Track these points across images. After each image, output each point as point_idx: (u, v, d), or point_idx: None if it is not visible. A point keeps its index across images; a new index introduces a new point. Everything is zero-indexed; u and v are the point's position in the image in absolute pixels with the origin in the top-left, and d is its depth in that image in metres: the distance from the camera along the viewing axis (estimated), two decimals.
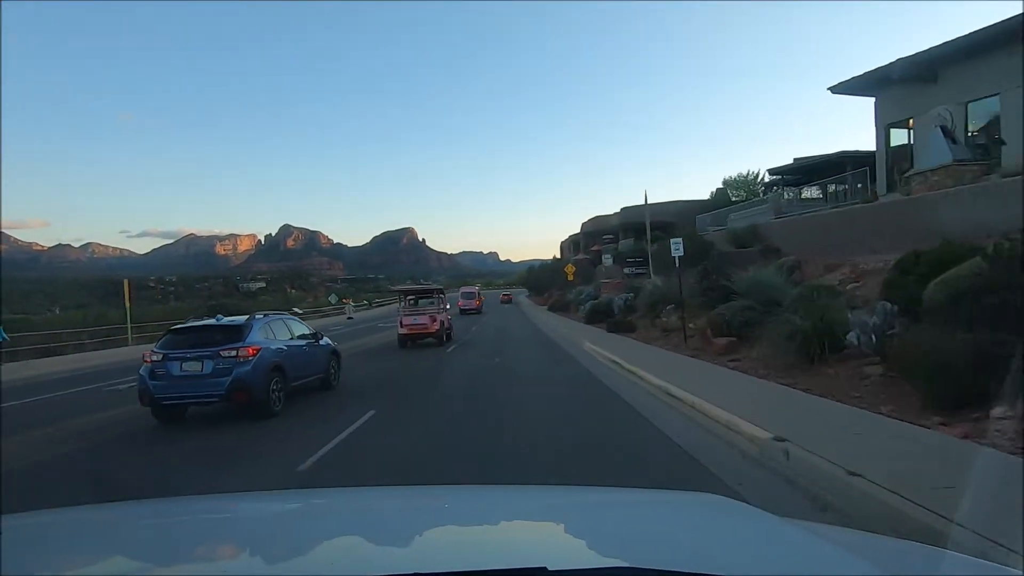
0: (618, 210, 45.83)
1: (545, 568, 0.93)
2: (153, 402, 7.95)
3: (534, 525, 1.61)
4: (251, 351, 7.99)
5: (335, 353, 10.81)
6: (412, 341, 18.37)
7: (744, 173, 37.48)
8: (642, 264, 24.45)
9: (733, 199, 37.03)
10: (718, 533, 1.42)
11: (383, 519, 1.59)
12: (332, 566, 1.16)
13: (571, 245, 63.36)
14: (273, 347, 8.60)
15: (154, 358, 8.05)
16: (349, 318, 42.07)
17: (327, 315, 46.17)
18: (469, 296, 44.22)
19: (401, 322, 18.57)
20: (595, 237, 50.40)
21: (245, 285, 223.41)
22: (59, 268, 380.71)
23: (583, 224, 57.26)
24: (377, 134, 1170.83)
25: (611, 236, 45.85)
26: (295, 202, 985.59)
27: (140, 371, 8.17)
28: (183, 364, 7.92)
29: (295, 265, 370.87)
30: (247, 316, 9.01)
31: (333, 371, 10.55)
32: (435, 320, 18.63)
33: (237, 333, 8.21)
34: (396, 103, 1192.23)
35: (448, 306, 22.06)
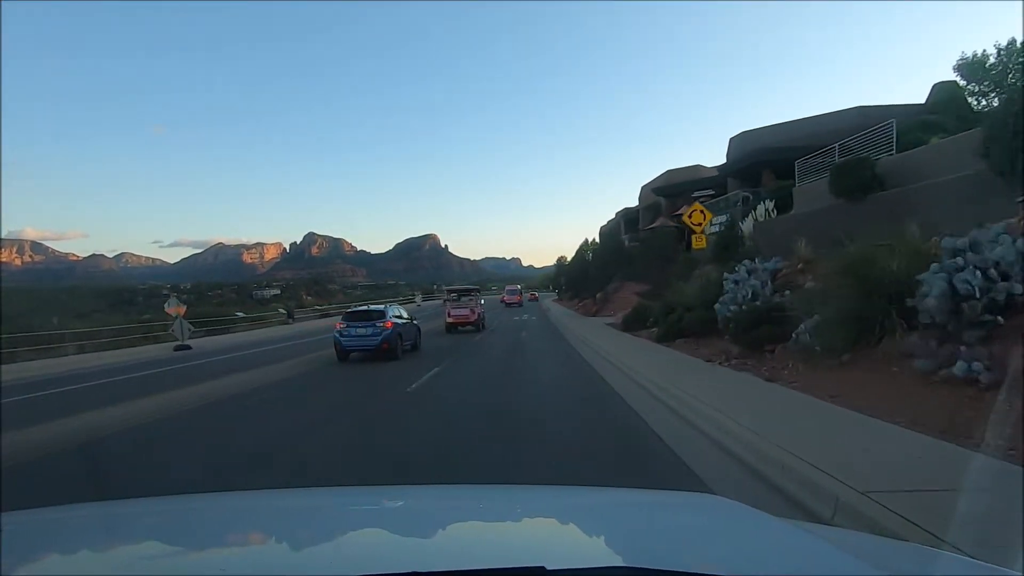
0: (711, 166, 26.77)
1: (543, 568, 0.90)
2: (341, 349, 13.58)
3: (532, 525, 1.55)
4: (389, 324, 13.59)
5: (419, 329, 16.02)
6: (456, 328, 22.00)
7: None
8: None
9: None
10: (716, 533, 1.37)
11: (380, 518, 1.54)
12: (330, 565, 1.12)
13: (622, 223, 43.23)
14: (397, 322, 14.12)
15: (341, 326, 13.77)
16: (181, 347, 19.69)
17: (135, 340, 23.70)
18: (513, 292, 53.11)
19: (448, 313, 22.47)
20: (677, 197, 30.92)
21: (259, 292, 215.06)
22: (92, 277, 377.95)
23: (644, 190, 37.95)
24: (400, 142, 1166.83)
25: (711, 191, 26.58)
26: (320, 211, 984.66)
27: (334, 333, 13.91)
28: (356, 329, 13.52)
29: (319, 272, 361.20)
30: (384, 305, 15.41)
31: (418, 340, 15.70)
32: (474, 312, 22.49)
33: (381, 314, 13.91)
34: (419, 112, 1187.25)
35: (483, 301, 25.92)
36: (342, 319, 14.09)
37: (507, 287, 59.44)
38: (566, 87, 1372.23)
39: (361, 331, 13.38)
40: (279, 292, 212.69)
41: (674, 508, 1.65)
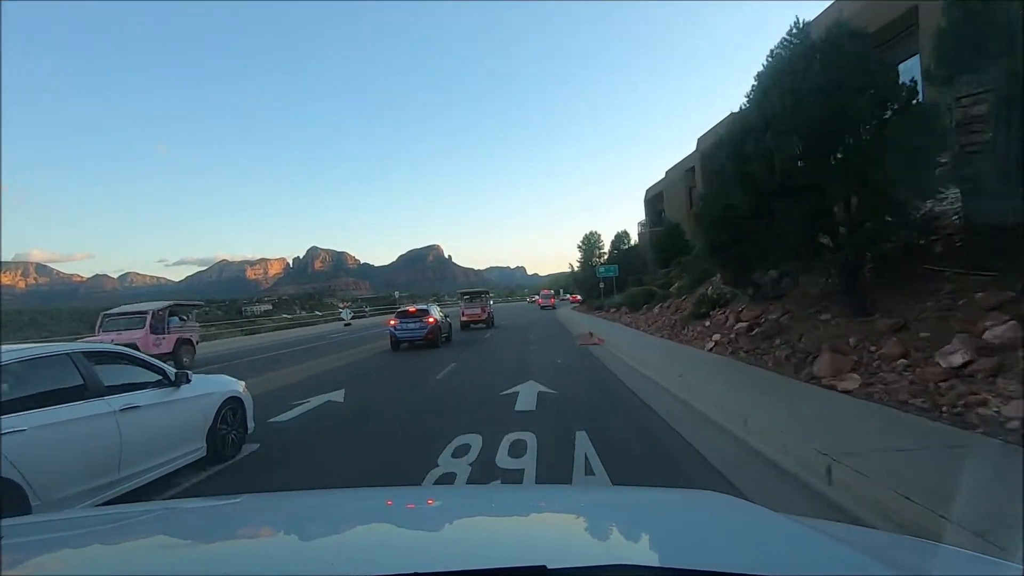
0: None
1: (544, 567, 0.90)
2: (395, 339, 17.07)
3: (533, 524, 1.51)
4: (432, 320, 17.22)
5: (451, 325, 20.03)
6: (469, 325, 25.83)
7: None
8: None
9: None
10: (719, 530, 1.34)
11: (381, 519, 1.52)
12: (331, 566, 1.11)
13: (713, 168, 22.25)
14: (438, 319, 17.90)
15: (394, 322, 17.34)
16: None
17: None
18: (547, 296, 55.89)
19: (463, 312, 26.42)
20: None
21: (249, 308, 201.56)
22: (95, 298, 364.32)
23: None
24: (403, 155, 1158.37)
25: None
26: (323, 225, 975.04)
27: (389, 328, 17.52)
28: (407, 324, 17.15)
29: (321, 286, 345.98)
30: (427, 304, 20.20)
31: (450, 333, 19.57)
32: (484, 311, 26.49)
33: (425, 312, 17.61)
34: (421, 124, 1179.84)
35: (492, 302, 31.22)
36: (395, 317, 17.64)
37: (541, 291, 66.19)
38: (569, 90, 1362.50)
39: (411, 325, 17.00)
40: (271, 307, 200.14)
41: (674, 505, 1.61)
